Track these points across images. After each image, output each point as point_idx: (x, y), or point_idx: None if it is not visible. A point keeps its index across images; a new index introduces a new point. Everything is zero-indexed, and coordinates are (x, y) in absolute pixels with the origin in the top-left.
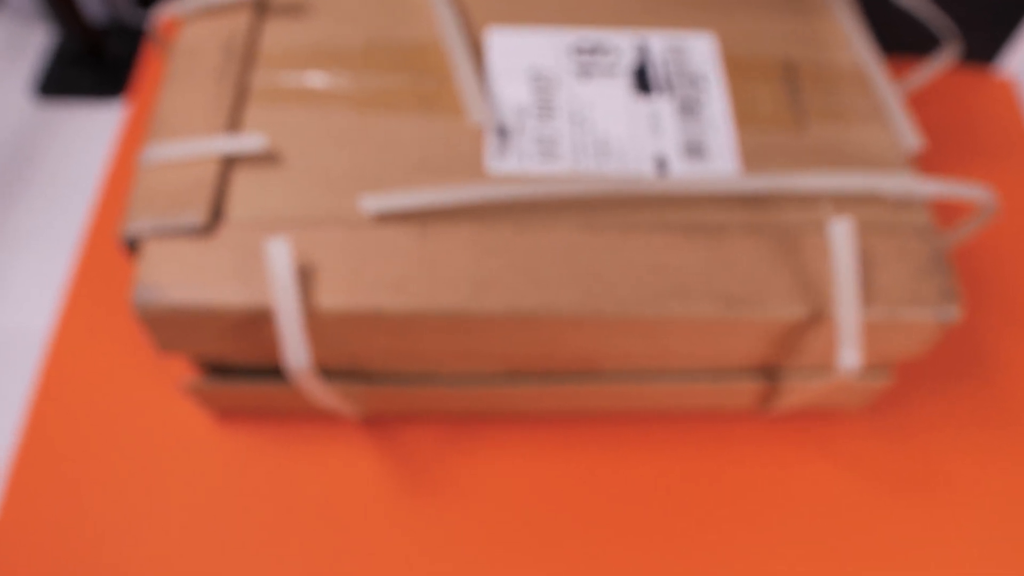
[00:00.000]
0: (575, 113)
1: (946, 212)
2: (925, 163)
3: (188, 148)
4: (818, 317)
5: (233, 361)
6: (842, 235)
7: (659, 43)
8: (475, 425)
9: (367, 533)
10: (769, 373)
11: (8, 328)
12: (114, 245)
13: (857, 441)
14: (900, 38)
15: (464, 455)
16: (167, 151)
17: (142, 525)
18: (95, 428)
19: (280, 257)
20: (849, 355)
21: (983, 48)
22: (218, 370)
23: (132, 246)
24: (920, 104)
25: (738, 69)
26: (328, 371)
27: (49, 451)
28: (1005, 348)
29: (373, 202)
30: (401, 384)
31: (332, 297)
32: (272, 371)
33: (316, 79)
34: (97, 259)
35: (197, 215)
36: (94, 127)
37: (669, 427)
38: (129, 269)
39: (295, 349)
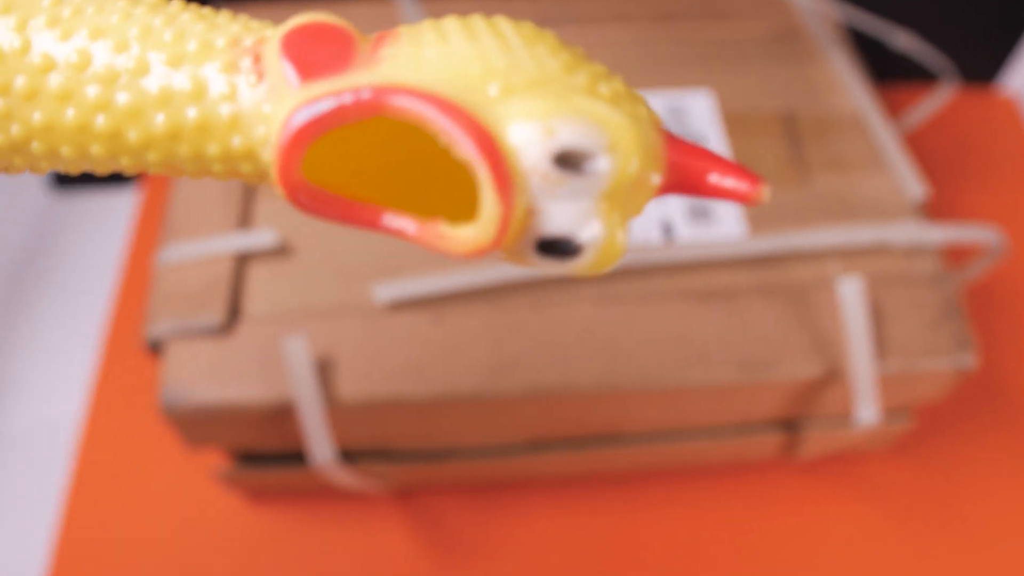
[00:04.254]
0: None
1: (956, 252)
2: (933, 196)
3: (202, 248)
4: (834, 374)
5: (262, 450)
6: (852, 293)
7: (658, 105)
8: (502, 491)
9: None
10: (791, 425)
11: (35, 424)
12: (135, 338)
13: (883, 481)
14: (898, 67)
15: (493, 522)
16: (182, 251)
17: None
18: (129, 519)
19: (298, 353)
20: (866, 411)
21: (984, 68)
22: (247, 457)
23: (155, 347)
24: (923, 134)
25: (738, 125)
26: (353, 452)
27: (86, 544)
28: None
29: (386, 290)
30: (426, 460)
31: (352, 387)
32: (300, 455)
33: None
34: (120, 352)
35: (215, 315)
36: (110, 215)
37: (695, 482)
38: (152, 361)
39: (319, 440)
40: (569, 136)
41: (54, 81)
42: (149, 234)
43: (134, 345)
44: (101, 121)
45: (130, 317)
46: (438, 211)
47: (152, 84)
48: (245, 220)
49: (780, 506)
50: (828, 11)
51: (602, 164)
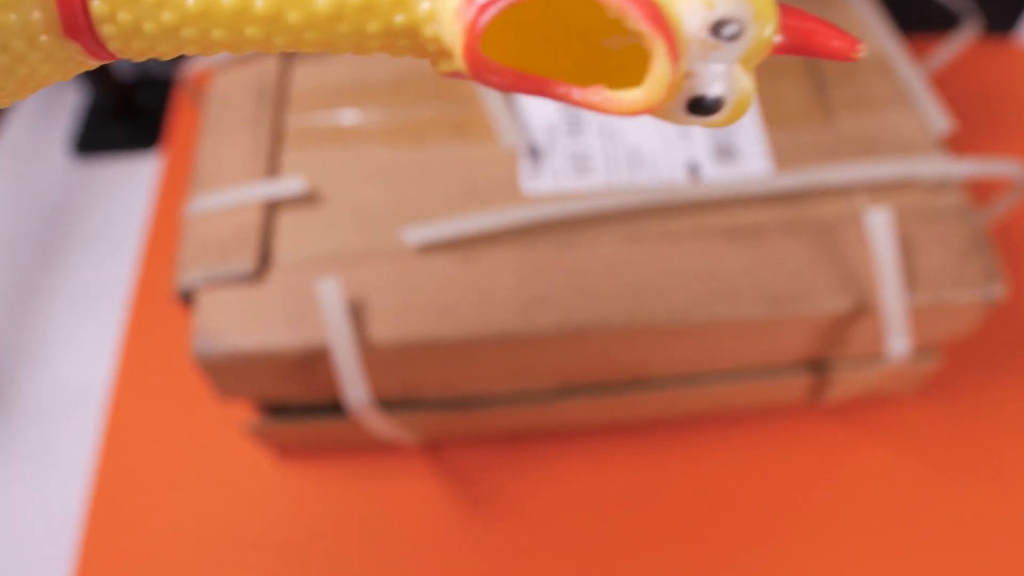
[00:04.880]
0: (604, 126)
1: (981, 189)
2: (955, 141)
3: (231, 197)
4: (864, 308)
5: (291, 401)
6: (881, 225)
7: None
8: (531, 443)
9: (430, 559)
10: (819, 366)
11: (66, 384)
12: (162, 296)
13: (911, 424)
14: (919, 17)
15: (522, 473)
16: (211, 201)
17: (211, 567)
18: (161, 474)
19: (331, 296)
20: (898, 343)
21: (1003, 19)
22: (277, 410)
23: (186, 297)
24: (944, 81)
25: (761, 67)
26: (384, 402)
27: (118, 500)
28: None
29: (416, 233)
30: (456, 409)
31: (385, 330)
32: (329, 407)
33: (348, 116)
34: (147, 310)
35: (246, 262)
36: (132, 181)
37: (723, 429)
38: (180, 318)
39: (353, 384)
40: (726, 7)
41: None
42: (174, 195)
43: (161, 302)
44: (261, 4)
45: (156, 275)
46: (591, 79)
47: None
48: (272, 169)
49: (808, 452)
50: None
51: (748, 30)
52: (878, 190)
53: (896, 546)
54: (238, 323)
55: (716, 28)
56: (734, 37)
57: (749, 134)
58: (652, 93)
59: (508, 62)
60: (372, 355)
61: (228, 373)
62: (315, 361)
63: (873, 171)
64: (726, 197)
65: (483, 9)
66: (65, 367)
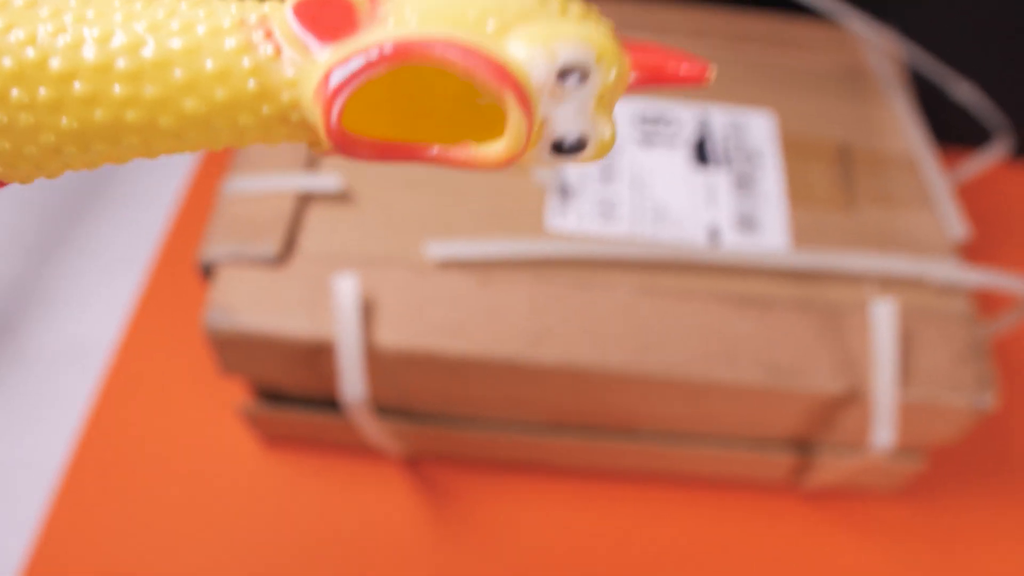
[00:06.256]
0: (636, 179)
1: (989, 301)
2: (971, 250)
3: (268, 183)
4: (855, 394)
5: (288, 389)
6: (884, 315)
7: (720, 118)
8: (513, 473)
9: (398, 571)
10: (804, 447)
11: (73, 338)
12: (182, 267)
13: (887, 523)
14: (955, 129)
15: (500, 501)
16: (248, 183)
17: (181, 539)
18: (147, 439)
19: (347, 292)
20: (884, 433)
21: None
22: (272, 397)
23: (207, 270)
24: (971, 194)
25: (794, 148)
26: (379, 406)
27: (101, 457)
28: None
29: (438, 248)
30: (447, 426)
31: (392, 335)
32: (324, 402)
33: None
34: (165, 279)
35: (271, 246)
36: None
37: (702, 492)
38: (195, 291)
39: (352, 381)
40: (567, 55)
41: (78, 87)
42: (213, 169)
43: (180, 273)
44: (132, 115)
45: (180, 246)
46: (465, 137)
47: (177, 73)
48: (312, 162)
49: (780, 531)
50: (895, 51)
51: (594, 74)
52: (888, 283)
53: None
54: (253, 303)
55: (562, 75)
56: (581, 82)
57: (773, 209)
58: (511, 144)
59: (381, 129)
60: (376, 357)
61: (235, 349)
62: (320, 353)
63: (886, 264)
64: (742, 265)
65: (337, 91)
66: (74, 322)
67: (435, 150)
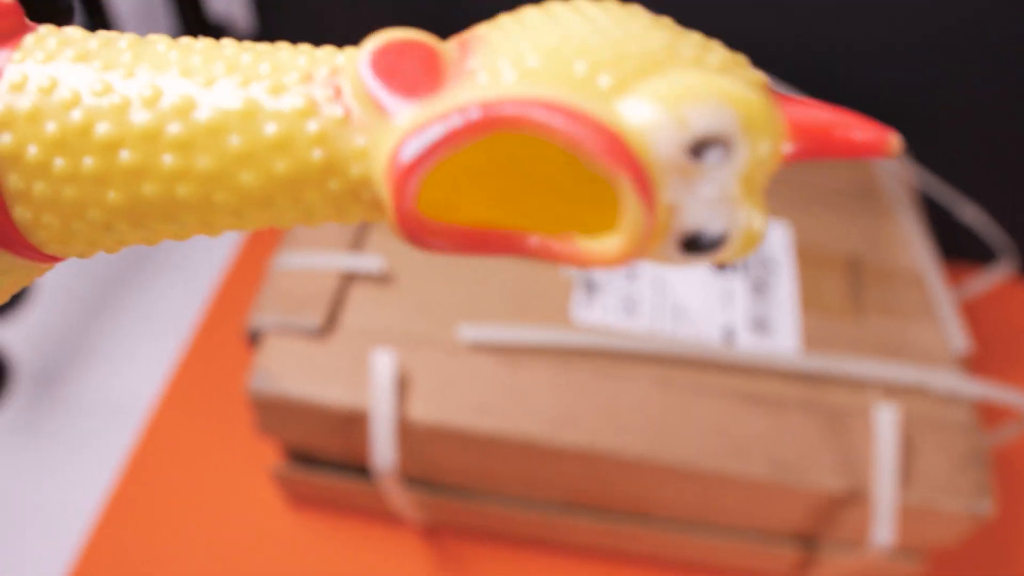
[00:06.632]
0: (657, 279)
1: (990, 413)
2: (978, 365)
3: (315, 260)
4: (857, 494)
5: (320, 454)
6: (887, 420)
7: None
8: (528, 549)
9: None
10: (808, 542)
11: (115, 393)
12: (224, 333)
13: None
14: (961, 245)
15: (510, 574)
16: (297, 260)
17: None
18: (179, 492)
19: (384, 366)
20: (883, 532)
21: None
22: (304, 459)
23: (254, 337)
24: (978, 310)
25: (808, 258)
26: (405, 476)
27: (134, 507)
28: None
29: (470, 331)
30: (467, 499)
31: (424, 410)
32: (354, 468)
33: None
34: (207, 343)
35: (315, 319)
36: None
37: None
38: (234, 356)
39: (384, 450)
40: (703, 123)
41: (125, 157)
42: (258, 245)
43: (221, 338)
44: (184, 190)
45: (224, 313)
46: (548, 221)
47: (233, 140)
48: (357, 244)
49: None
50: (905, 174)
51: (739, 146)
52: (892, 390)
53: None
54: (295, 370)
55: (697, 149)
56: (723, 157)
57: (786, 314)
58: (628, 241)
59: (471, 208)
60: (407, 429)
61: (274, 412)
62: (354, 422)
63: (890, 372)
64: (754, 365)
65: (411, 170)
66: (119, 376)
67: (534, 241)
